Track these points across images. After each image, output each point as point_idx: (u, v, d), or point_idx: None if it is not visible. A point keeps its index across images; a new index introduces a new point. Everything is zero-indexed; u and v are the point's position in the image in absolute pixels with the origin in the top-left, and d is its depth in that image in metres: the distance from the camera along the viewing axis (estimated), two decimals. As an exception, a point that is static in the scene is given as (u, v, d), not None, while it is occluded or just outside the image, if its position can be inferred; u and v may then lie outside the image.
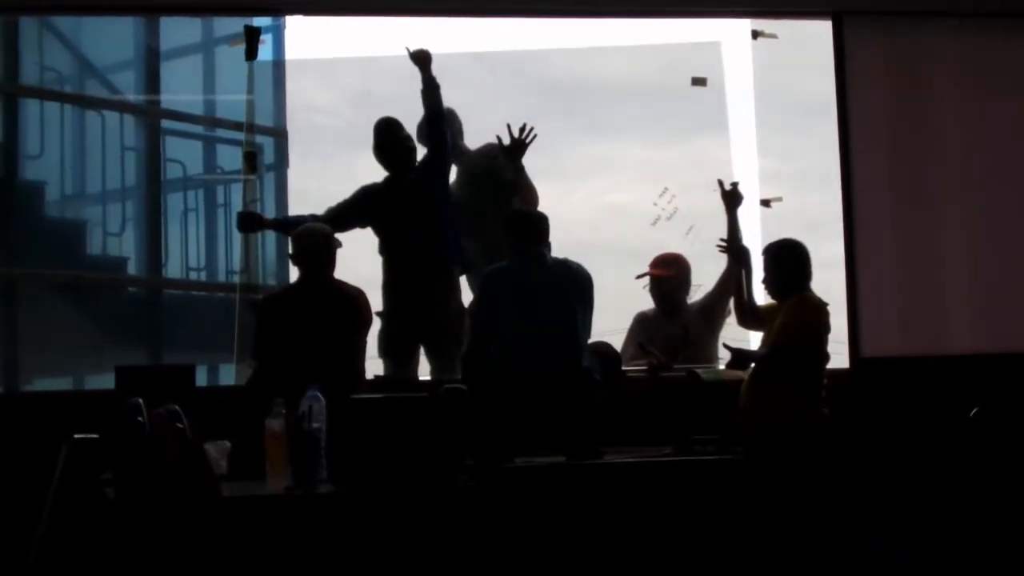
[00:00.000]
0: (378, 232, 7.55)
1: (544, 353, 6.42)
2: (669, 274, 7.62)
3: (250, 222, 7.69)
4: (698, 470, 5.85)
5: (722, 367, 7.01)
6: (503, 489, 5.51)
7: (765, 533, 5.74)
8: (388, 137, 7.54)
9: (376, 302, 7.32)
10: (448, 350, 7.36)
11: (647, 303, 7.71)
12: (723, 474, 5.82)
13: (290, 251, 6.94)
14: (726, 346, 6.76)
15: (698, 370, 7.00)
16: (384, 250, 7.53)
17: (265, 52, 8.02)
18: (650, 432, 6.31)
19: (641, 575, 5.61)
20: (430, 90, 7.50)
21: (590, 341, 6.68)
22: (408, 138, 7.55)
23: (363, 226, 7.54)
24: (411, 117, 7.55)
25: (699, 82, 8.21)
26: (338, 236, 7.03)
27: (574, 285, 6.62)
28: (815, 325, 6.55)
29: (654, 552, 5.60)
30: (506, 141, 7.56)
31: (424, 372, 7.44)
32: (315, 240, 6.81)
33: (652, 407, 6.65)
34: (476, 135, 7.94)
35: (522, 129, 7.56)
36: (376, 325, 7.23)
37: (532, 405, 6.27)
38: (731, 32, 8.43)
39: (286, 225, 7.56)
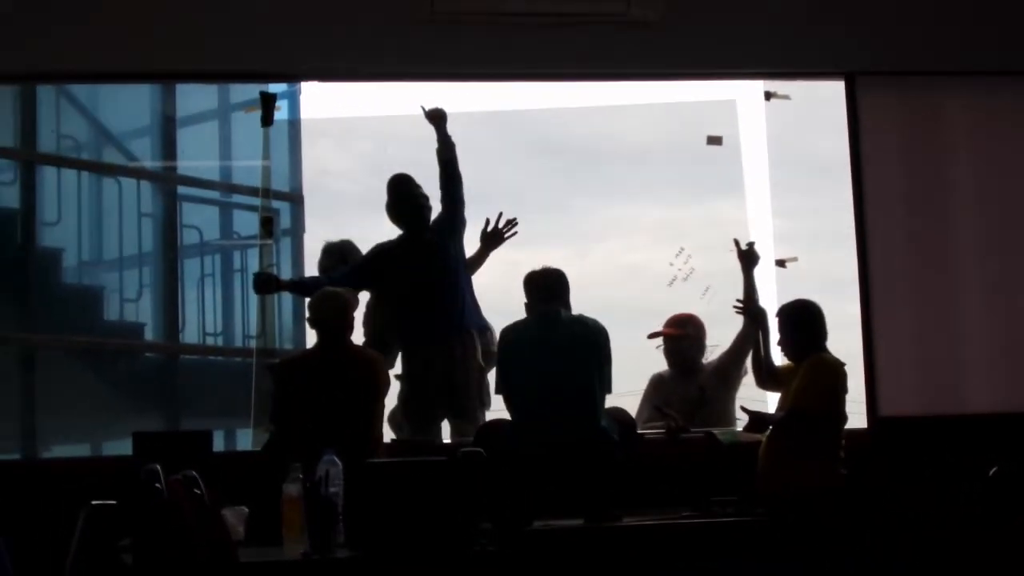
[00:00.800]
0: (394, 292, 7.56)
1: (560, 412, 6.40)
2: (682, 334, 7.60)
3: (266, 284, 7.69)
4: (717, 532, 5.83)
5: (740, 429, 7.00)
6: (522, 553, 5.50)
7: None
8: (403, 194, 7.56)
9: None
10: (470, 411, 7.35)
11: (663, 364, 7.69)
12: (742, 536, 5.80)
13: (307, 316, 6.97)
14: (744, 409, 6.75)
15: (716, 432, 6.99)
16: (401, 311, 7.54)
17: (281, 118, 8.07)
18: (668, 495, 6.30)
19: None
20: (446, 148, 7.51)
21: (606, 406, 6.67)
22: (422, 195, 7.57)
23: (378, 284, 7.56)
24: (427, 180, 7.57)
25: (715, 141, 8.22)
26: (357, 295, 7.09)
27: (589, 341, 6.60)
28: (832, 387, 6.54)
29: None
30: (490, 228, 7.65)
31: (446, 433, 7.45)
32: (332, 305, 6.82)
33: (670, 469, 6.64)
34: (489, 197, 7.96)
35: (509, 222, 7.62)
36: (395, 387, 7.24)
37: (550, 465, 6.25)
38: (745, 92, 8.46)
39: (302, 286, 7.60)
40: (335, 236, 7.96)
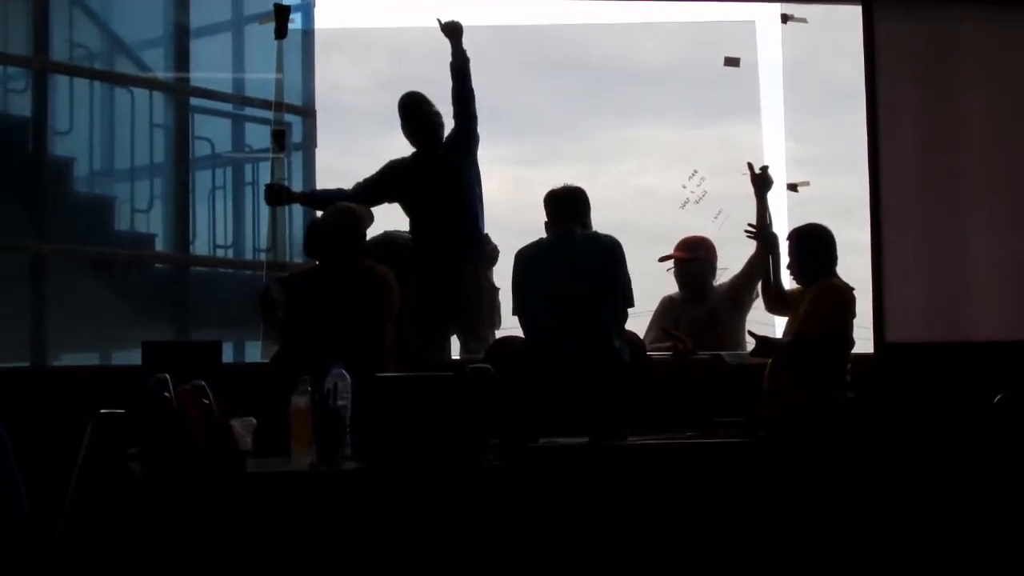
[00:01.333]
0: (407, 209, 7.57)
1: (573, 330, 6.42)
2: (693, 257, 7.58)
3: (278, 195, 7.70)
4: (720, 452, 5.86)
5: (747, 352, 7.02)
6: (527, 469, 5.53)
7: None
8: (414, 112, 7.56)
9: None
10: (479, 329, 7.37)
11: (673, 287, 7.68)
12: (745, 456, 5.84)
13: (319, 230, 6.98)
14: (751, 333, 6.76)
15: (723, 355, 7.00)
16: (414, 227, 7.55)
17: (295, 31, 8.04)
18: (673, 415, 6.32)
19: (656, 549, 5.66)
20: (460, 61, 7.50)
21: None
22: (435, 113, 7.57)
23: (391, 201, 7.57)
24: (440, 96, 7.57)
25: (732, 62, 8.15)
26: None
27: (603, 258, 6.59)
28: (840, 311, 6.53)
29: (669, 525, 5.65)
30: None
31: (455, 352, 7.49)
32: (345, 219, 6.83)
33: (676, 391, 6.65)
34: (502, 114, 7.93)
35: None
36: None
37: (560, 382, 6.27)
38: (763, 13, 8.40)
39: (314, 199, 7.62)
40: (347, 151, 7.95)
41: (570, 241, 6.63)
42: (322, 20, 8.42)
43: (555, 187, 6.85)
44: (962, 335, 7.72)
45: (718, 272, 7.68)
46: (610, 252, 6.62)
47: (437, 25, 7.51)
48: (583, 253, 6.59)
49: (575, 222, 6.70)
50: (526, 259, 6.69)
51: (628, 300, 6.66)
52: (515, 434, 5.66)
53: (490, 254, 7.56)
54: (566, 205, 6.76)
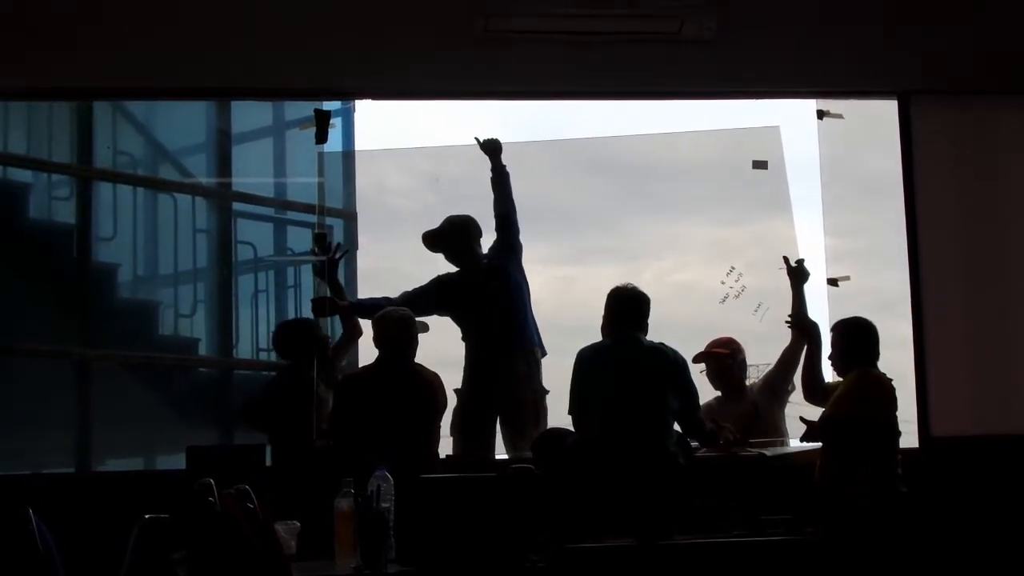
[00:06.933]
0: (457, 321, 7.61)
1: (629, 433, 6.41)
2: (732, 352, 7.57)
3: (323, 307, 7.75)
4: (768, 551, 5.81)
5: (794, 441, 6.99)
6: (572, 570, 5.51)
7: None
8: (435, 247, 7.67)
9: (456, 380, 7.40)
10: (525, 429, 7.37)
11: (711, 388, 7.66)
12: (794, 555, 5.79)
13: (372, 334, 7.05)
14: (803, 419, 6.71)
15: (766, 452, 6.97)
16: (465, 336, 7.60)
17: (335, 135, 8.11)
18: (719, 514, 6.28)
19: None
20: (500, 177, 7.60)
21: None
22: (455, 244, 7.65)
23: (440, 315, 7.61)
24: (482, 198, 7.63)
25: (760, 165, 8.25)
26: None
27: (665, 370, 6.60)
28: (873, 397, 6.47)
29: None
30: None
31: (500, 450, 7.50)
32: (395, 323, 6.90)
33: (721, 488, 6.62)
34: (543, 216, 7.98)
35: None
36: (452, 402, 7.28)
37: (611, 487, 6.25)
38: (795, 112, 8.46)
39: (360, 308, 7.64)
40: (388, 253, 8.00)
41: (635, 347, 6.63)
42: (362, 127, 8.50)
43: (619, 285, 6.84)
44: (1009, 428, 7.65)
45: (751, 369, 7.66)
46: (674, 363, 6.65)
47: (476, 144, 7.63)
48: (646, 360, 6.59)
49: (635, 325, 6.71)
50: (588, 360, 6.69)
51: (696, 411, 6.72)
52: (560, 534, 5.64)
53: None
54: (629, 307, 6.76)
